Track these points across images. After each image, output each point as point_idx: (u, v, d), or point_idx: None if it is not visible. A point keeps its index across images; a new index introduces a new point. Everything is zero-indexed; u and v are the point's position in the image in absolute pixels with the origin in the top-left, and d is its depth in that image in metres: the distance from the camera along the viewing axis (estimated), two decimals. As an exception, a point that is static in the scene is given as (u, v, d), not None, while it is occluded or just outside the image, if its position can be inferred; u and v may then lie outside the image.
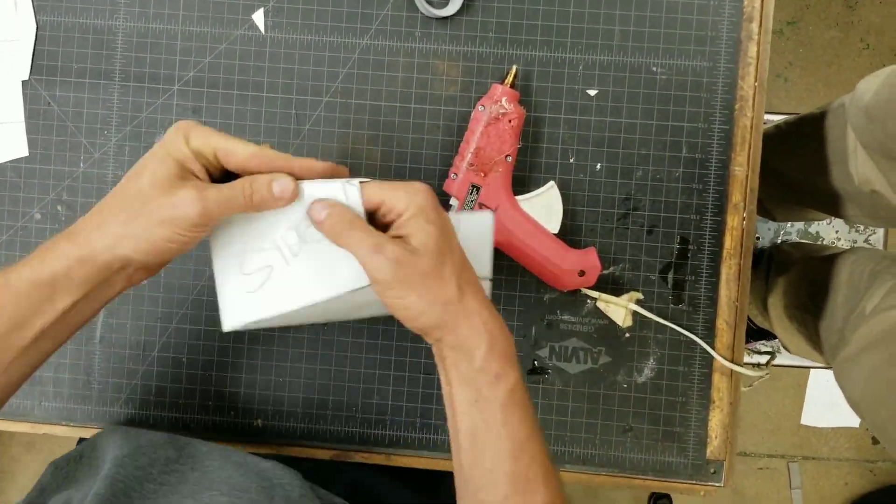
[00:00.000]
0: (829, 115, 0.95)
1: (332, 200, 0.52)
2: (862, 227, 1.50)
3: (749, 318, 1.36)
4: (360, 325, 0.72)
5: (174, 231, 0.50)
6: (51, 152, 0.73)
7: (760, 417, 1.62)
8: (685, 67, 0.71)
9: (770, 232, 1.50)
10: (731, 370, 0.71)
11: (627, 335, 0.72)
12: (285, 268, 0.53)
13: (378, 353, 0.72)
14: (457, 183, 0.67)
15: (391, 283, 0.50)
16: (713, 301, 0.71)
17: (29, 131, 0.74)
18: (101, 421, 0.74)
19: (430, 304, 0.51)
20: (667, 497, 1.59)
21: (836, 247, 1.36)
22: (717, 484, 0.72)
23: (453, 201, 0.68)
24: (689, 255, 0.71)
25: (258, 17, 0.72)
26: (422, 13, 0.71)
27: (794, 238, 1.50)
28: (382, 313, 0.57)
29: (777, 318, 1.17)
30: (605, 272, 0.72)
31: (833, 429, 1.62)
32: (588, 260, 0.68)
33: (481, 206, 0.67)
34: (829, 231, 1.51)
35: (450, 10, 0.70)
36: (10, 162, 0.74)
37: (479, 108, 0.68)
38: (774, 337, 1.29)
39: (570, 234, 0.72)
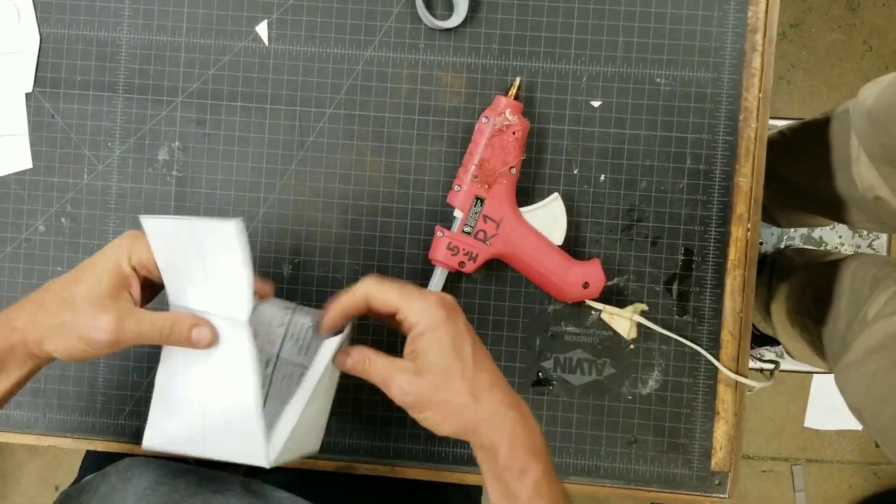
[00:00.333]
0: (834, 120, 0.95)
1: (347, 346, 0.59)
2: (865, 233, 1.50)
3: (752, 325, 1.36)
4: (364, 336, 0.73)
5: (89, 346, 0.54)
6: (55, 164, 0.74)
7: (764, 421, 1.62)
8: (689, 78, 0.70)
9: (773, 237, 1.49)
10: (736, 382, 0.71)
11: (632, 347, 0.72)
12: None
13: (382, 365, 0.72)
14: (461, 195, 0.67)
15: (407, 406, 0.55)
16: (718, 312, 0.71)
17: (33, 143, 0.74)
18: (106, 433, 0.74)
19: (446, 416, 0.55)
20: None
21: (839, 252, 1.36)
22: (721, 496, 0.72)
23: (457, 213, 0.68)
24: (693, 266, 0.71)
25: (262, 29, 0.72)
26: (425, 25, 0.71)
27: (798, 243, 1.50)
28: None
29: (780, 323, 1.17)
30: (610, 283, 0.71)
31: (837, 431, 1.62)
32: (592, 272, 0.68)
33: (486, 218, 0.67)
34: (833, 236, 1.51)
35: (453, 21, 0.70)
36: (15, 174, 0.74)
37: (483, 119, 0.68)
38: (778, 343, 1.29)
39: (574, 245, 0.71)
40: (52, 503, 0.63)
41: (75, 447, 0.75)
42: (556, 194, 0.69)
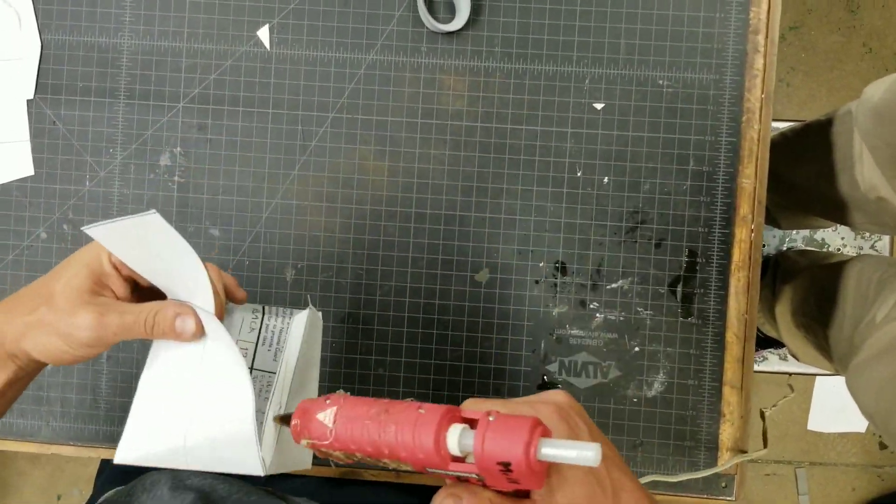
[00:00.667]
0: (836, 121, 0.95)
1: (460, 490, 0.41)
2: (867, 234, 1.50)
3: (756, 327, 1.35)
4: (369, 341, 0.72)
5: (69, 346, 0.50)
6: (56, 171, 0.73)
7: (767, 424, 1.61)
8: (692, 80, 0.70)
9: (776, 239, 1.49)
10: (742, 384, 0.71)
11: (637, 349, 0.71)
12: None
13: (387, 370, 0.72)
14: None
15: None
16: (722, 314, 0.71)
17: (34, 150, 0.73)
18: (110, 441, 0.74)
19: None
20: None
21: (842, 254, 1.35)
22: (728, 498, 0.71)
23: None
24: (697, 268, 0.71)
25: (263, 34, 0.72)
26: (428, 28, 0.71)
27: (800, 245, 1.50)
28: None
29: (785, 326, 1.16)
30: (615, 286, 0.71)
31: (840, 434, 1.62)
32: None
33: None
34: (835, 238, 1.51)
35: (456, 24, 0.70)
36: (16, 181, 0.74)
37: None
38: (782, 345, 1.29)
39: (578, 248, 0.71)
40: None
41: (78, 455, 0.75)
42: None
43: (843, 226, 1.22)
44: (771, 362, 1.51)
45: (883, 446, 1.61)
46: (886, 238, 1.49)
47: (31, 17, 0.73)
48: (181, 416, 0.52)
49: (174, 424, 0.52)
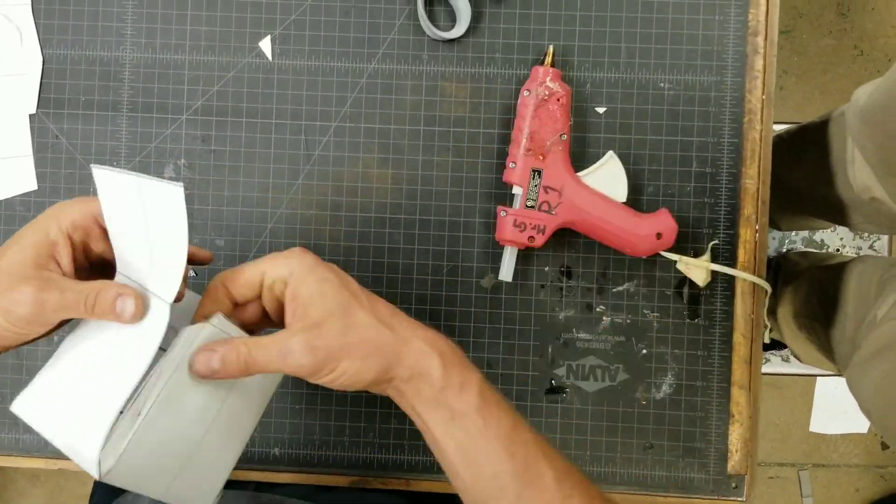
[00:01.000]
0: (831, 123, 0.96)
1: (211, 343, 0.49)
2: (866, 234, 1.51)
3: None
4: (376, 349, 0.72)
5: (10, 322, 0.49)
6: (60, 185, 0.73)
7: (769, 427, 1.61)
8: (693, 82, 0.71)
9: (775, 241, 1.50)
10: (750, 384, 0.71)
11: (644, 352, 0.71)
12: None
13: (394, 377, 0.72)
14: (517, 171, 0.67)
15: (318, 368, 0.48)
16: (729, 315, 0.71)
17: (37, 165, 0.73)
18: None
19: (366, 357, 0.49)
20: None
21: (843, 255, 1.36)
22: (739, 499, 0.71)
23: (516, 189, 0.67)
24: (703, 269, 0.71)
25: (265, 45, 0.72)
26: (428, 36, 0.71)
27: (800, 246, 1.50)
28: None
29: (787, 327, 1.17)
30: (620, 288, 0.71)
31: (842, 435, 1.62)
32: (663, 221, 0.68)
33: (547, 189, 0.67)
34: (834, 238, 1.51)
35: (456, 32, 0.70)
36: (20, 196, 0.73)
37: (525, 93, 0.68)
38: (784, 347, 1.29)
39: (583, 251, 0.71)
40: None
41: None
42: (611, 152, 0.69)
43: (841, 226, 1.23)
44: (773, 364, 1.51)
45: (885, 446, 1.61)
46: (885, 238, 1.50)
47: (33, 32, 0.73)
48: (68, 388, 0.50)
49: (60, 393, 0.50)
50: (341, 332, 0.49)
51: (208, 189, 0.73)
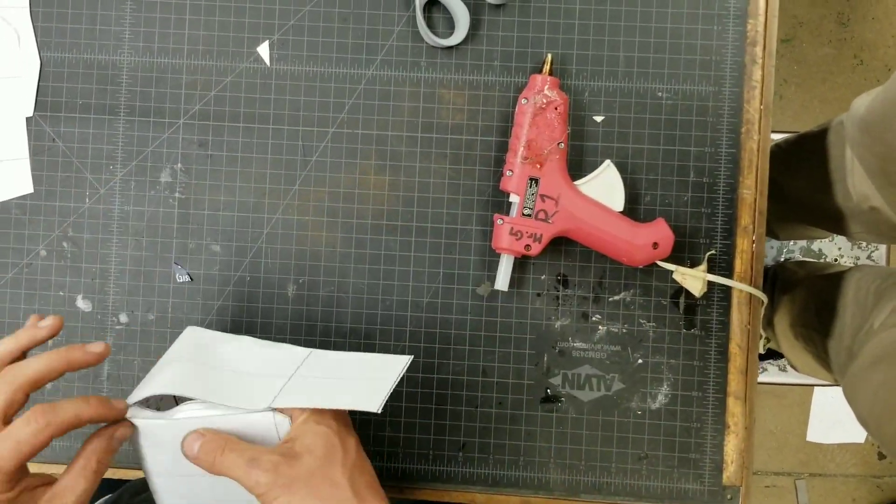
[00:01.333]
0: (830, 132, 0.96)
1: (204, 429, 0.53)
2: (864, 244, 1.51)
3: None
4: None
5: None
6: (56, 188, 0.73)
7: (766, 435, 1.61)
8: (690, 92, 0.71)
9: (773, 250, 1.50)
10: (746, 394, 0.71)
11: (640, 361, 0.71)
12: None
13: (389, 385, 0.72)
14: (514, 179, 0.67)
15: (272, 491, 0.49)
16: (725, 325, 0.71)
17: (34, 168, 0.73)
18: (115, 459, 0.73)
19: (322, 501, 0.50)
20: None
21: (840, 264, 1.36)
22: (734, 510, 0.71)
23: (513, 197, 0.67)
24: (699, 279, 0.71)
25: (263, 50, 0.72)
26: (427, 43, 0.71)
27: (798, 256, 1.50)
28: None
29: (784, 336, 1.17)
30: (616, 298, 0.71)
31: (839, 445, 1.62)
32: (660, 231, 0.68)
33: (543, 197, 0.67)
34: (832, 248, 1.51)
35: (455, 39, 0.70)
36: (16, 199, 0.73)
37: (522, 101, 0.68)
38: (781, 356, 1.29)
39: (579, 260, 0.71)
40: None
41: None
42: (608, 161, 0.68)
43: (839, 236, 1.23)
44: (770, 373, 1.51)
45: (882, 456, 1.61)
46: (883, 248, 1.50)
47: (31, 34, 0.73)
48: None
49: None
50: (311, 472, 0.50)
51: (205, 194, 0.72)
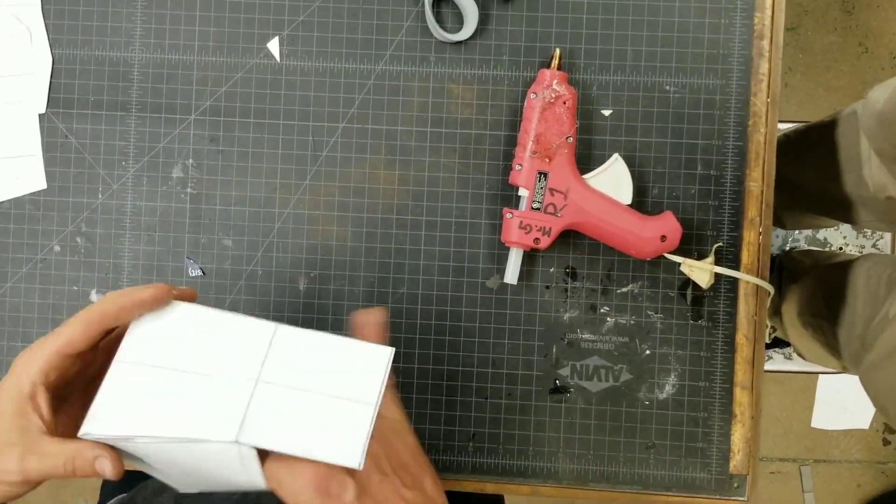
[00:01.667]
0: (840, 122, 0.96)
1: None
2: (869, 233, 1.51)
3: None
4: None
5: (10, 487, 0.51)
6: (69, 184, 0.74)
7: (771, 422, 1.62)
8: (698, 85, 0.71)
9: (779, 239, 1.50)
10: (752, 383, 0.71)
11: (648, 352, 0.72)
12: None
13: (400, 377, 0.73)
14: (523, 173, 0.68)
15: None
16: (732, 316, 0.72)
17: (47, 164, 0.74)
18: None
19: None
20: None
21: (847, 253, 1.36)
22: (740, 498, 0.72)
23: (522, 191, 0.68)
24: (706, 271, 0.72)
25: (273, 46, 0.72)
26: (436, 38, 0.71)
27: (803, 245, 1.51)
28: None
29: (791, 325, 1.17)
30: (625, 290, 0.72)
31: (843, 431, 1.63)
32: (667, 224, 0.68)
33: (552, 191, 0.68)
34: (837, 237, 1.52)
35: (463, 34, 0.71)
36: (29, 195, 0.74)
37: (531, 95, 0.68)
38: (788, 345, 1.30)
39: (588, 253, 0.72)
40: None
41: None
42: (616, 155, 0.69)
43: (845, 224, 1.23)
44: (776, 361, 1.52)
45: (886, 442, 1.62)
46: (888, 236, 1.50)
47: (42, 32, 0.73)
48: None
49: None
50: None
51: (216, 189, 0.73)
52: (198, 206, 0.73)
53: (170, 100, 0.73)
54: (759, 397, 0.72)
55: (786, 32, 1.58)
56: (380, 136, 0.73)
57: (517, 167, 0.68)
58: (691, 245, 0.72)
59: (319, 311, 0.73)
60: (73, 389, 0.55)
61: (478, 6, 0.70)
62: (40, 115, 0.74)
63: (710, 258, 0.70)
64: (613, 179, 0.69)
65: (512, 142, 0.71)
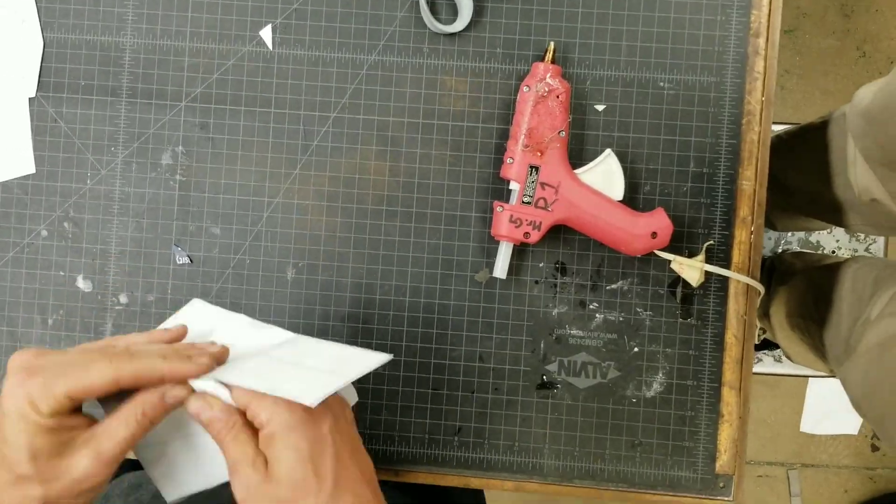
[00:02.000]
0: (831, 124, 0.96)
1: (213, 398, 0.51)
2: (862, 236, 1.51)
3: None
4: (369, 340, 0.72)
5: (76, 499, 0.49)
6: (58, 169, 0.73)
7: (759, 425, 1.62)
8: (692, 82, 0.71)
9: (771, 241, 1.50)
10: (741, 384, 0.71)
11: (636, 350, 0.72)
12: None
13: (387, 369, 0.72)
14: (515, 166, 0.68)
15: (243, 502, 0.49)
16: (721, 315, 0.71)
17: (36, 148, 0.73)
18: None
19: None
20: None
21: (837, 256, 1.36)
22: (726, 498, 0.72)
23: (513, 185, 0.68)
24: (697, 269, 0.71)
25: (266, 34, 0.72)
26: (429, 29, 0.71)
27: (795, 247, 1.51)
28: None
29: (780, 327, 1.17)
30: (614, 286, 0.72)
31: (832, 436, 1.63)
32: (659, 221, 0.68)
33: (543, 185, 0.67)
34: (830, 240, 1.52)
35: (458, 26, 0.70)
36: (17, 179, 0.73)
37: (524, 88, 0.68)
38: (777, 347, 1.30)
39: (578, 248, 0.72)
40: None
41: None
42: (608, 150, 0.69)
43: (838, 227, 1.23)
44: (765, 364, 1.52)
45: (875, 448, 1.62)
46: (881, 240, 1.50)
47: (34, 15, 0.73)
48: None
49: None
50: (282, 501, 0.48)
51: (205, 177, 0.73)
52: (186, 193, 0.73)
53: (161, 86, 0.73)
54: (748, 398, 0.72)
55: (783, 35, 1.57)
56: (371, 126, 0.72)
57: (509, 160, 0.68)
58: (682, 243, 0.71)
59: (307, 302, 0.73)
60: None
61: (472, -2, 0.70)
62: (30, 99, 0.73)
63: (701, 256, 0.70)
64: (605, 175, 0.69)
65: (504, 135, 0.71)
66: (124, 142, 0.73)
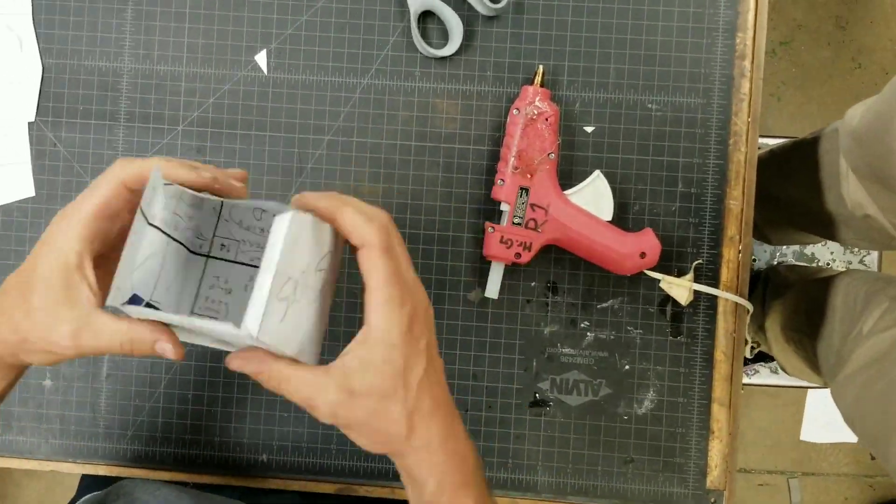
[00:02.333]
0: (823, 139, 0.97)
1: (256, 356, 0.50)
2: (857, 250, 1.52)
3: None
4: (364, 359, 0.73)
5: (57, 356, 0.51)
6: (57, 192, 0.75)
7: (759, 433, 1.63)
8: (680, 104, 0.72)
9: (766, 254, 1.51)
10: (730, 401, 0.72)
11: (627, 367, 0.73)
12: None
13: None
14: (505, 188, 0.69)
15: (334, 424, 0.50)
16: (711, 333, 0.72)
17: (35, 172, 0.75)
18: (108, 457, 0.75)
19: (374, 443, 0.51)
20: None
21: (832, 269, 1.37)
22: (717, 513, 0.73)
23: (504, 206, 0.69)
24: (686, 287, 0.72)
25: (261, 59, 0.73)
26: (421, 53, 0.72)
27: (790, 260, 1.51)
28: None
29: (774, 340, 1.18)
30: (605, 305, 0.73)
31: (832, 444, 1.63)
32: (647, 241, 0.69)
33: (533, 206, 0.68)
34: (825, 253, 1.52)
35: (448, 50, 0.72)
36: (17, 202, 0.75)
37: (514, 111, 0.69)
38: (772, 359, 1.30)
39: (569, 268, 0.73)
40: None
41: (77, 472, 0.76)
42: (597, 171, 0.70)
43: (832, 241, 1.24)
44: (762, 375, 1.52)
45: (874, 457, 1.62)
46: (875, 254, 1.51)
47: (33, 40, 0.74)
48: None
49: None
50: (368, 415, 0.49)
51: (202, 199, 0.74)
52: (184, 215, 0.74)
53: (158, 110, 0.74)
54: (737, 414, 0.73)
55: (779, 46, 1.59)
56: (364, 149, 0.73)
57: (499, 182, 0.69)
58: (671, 262, 0.72)
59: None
60: (109, 254, 0.53)
61: (463, 23, 0.71)
62: (29, 123, 0.75)
63: (690, 275, 0.71)
64: (594, 196, 0.70)
65: (495, 157, 0.72)
66: (122, 165, 0.74)
